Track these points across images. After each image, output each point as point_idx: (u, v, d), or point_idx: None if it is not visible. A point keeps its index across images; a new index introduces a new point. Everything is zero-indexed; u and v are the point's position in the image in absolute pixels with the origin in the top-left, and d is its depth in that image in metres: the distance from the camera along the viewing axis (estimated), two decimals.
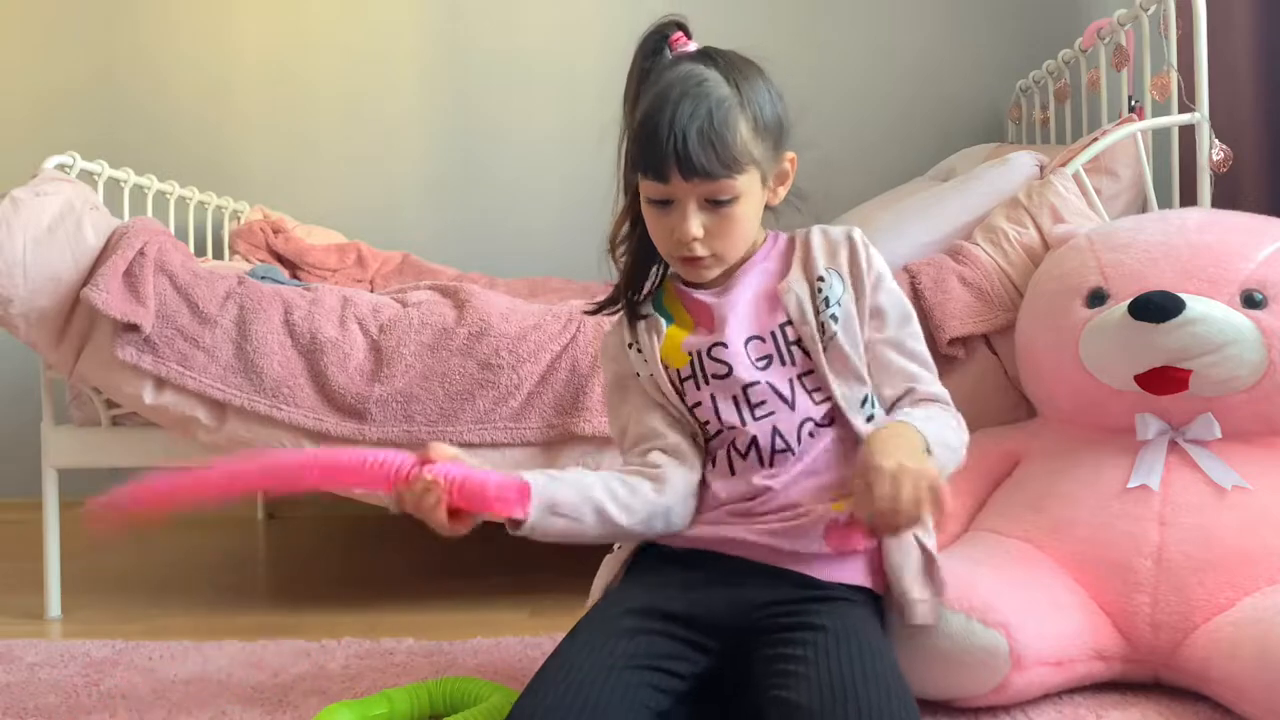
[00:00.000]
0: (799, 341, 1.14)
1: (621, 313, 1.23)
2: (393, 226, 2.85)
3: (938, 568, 1.12)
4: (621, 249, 1.21)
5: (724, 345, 1.14)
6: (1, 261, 1.67)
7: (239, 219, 2.71)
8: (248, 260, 2.50)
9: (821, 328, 1.13)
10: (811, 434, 1.12)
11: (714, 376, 1.15)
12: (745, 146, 1.08)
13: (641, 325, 1.20)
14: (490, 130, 2.88)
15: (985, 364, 1.71)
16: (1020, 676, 1.18)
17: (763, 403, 1.13)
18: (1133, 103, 2.02)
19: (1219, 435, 1.37)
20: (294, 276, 2.48)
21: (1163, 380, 1.37)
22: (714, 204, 1.09)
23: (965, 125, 2.76)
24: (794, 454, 1.11)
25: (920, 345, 1.18)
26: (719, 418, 1.14)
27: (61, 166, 1.90)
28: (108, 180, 2.06)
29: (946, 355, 1.68)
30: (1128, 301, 1.39)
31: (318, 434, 1.69)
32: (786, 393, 1.13)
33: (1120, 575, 1.29)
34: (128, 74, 2.89)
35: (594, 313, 1.25)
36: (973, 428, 1.66)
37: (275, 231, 2.60)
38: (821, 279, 1.14)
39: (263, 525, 2.67)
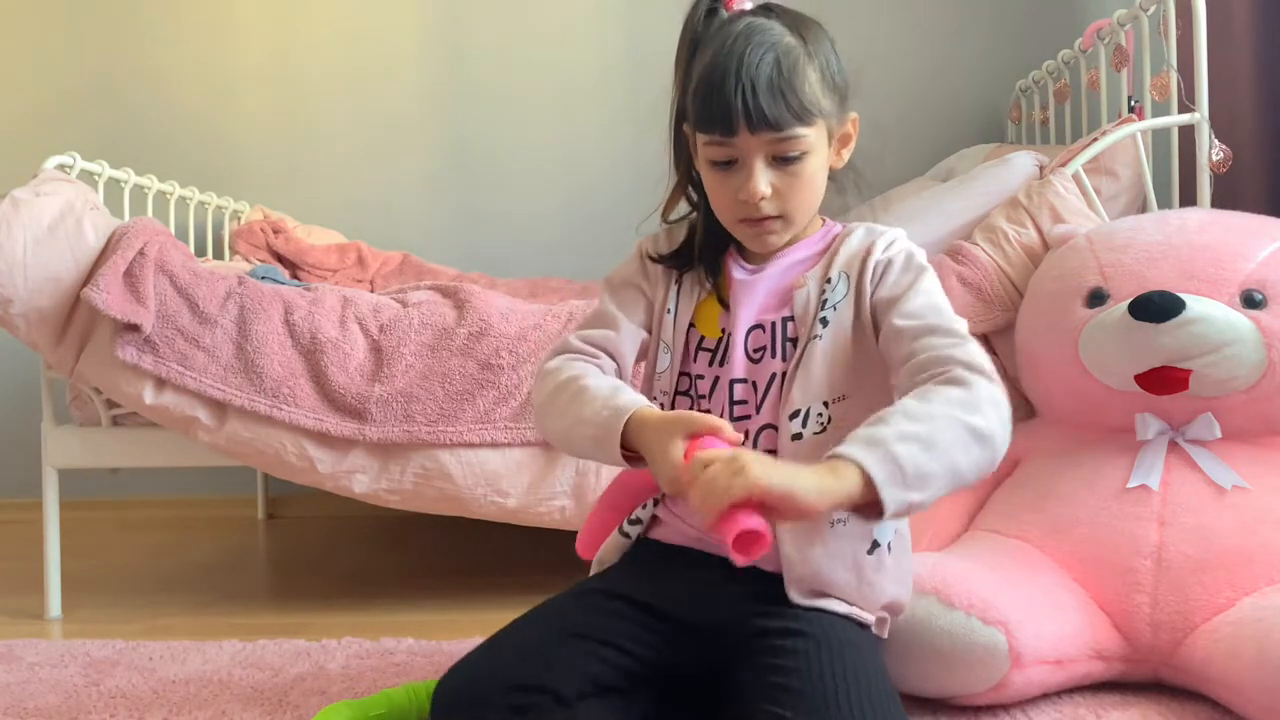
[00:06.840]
0: (795, 339, 1.09)
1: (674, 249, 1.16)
2: (393, 226, 2.85)
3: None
4: (679, 225, 1.17)
5: (731, 334, 1.10)
6: (2, 262, 1.67)
7: (239, 219, 2.71)
8: (248, 260, 2.50)
9: (811, 327, 1.07)
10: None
11: (722, 364, 1.10)
12: (814, 96, 1.04)
13: (689, 273, 1.14)
14: (490, 130, 2.88)
15: None
16: (1019, 675, 1.18)
17: (743, 401, 1.09)
18: (1133, 103, 2.02)
19: (1219, 435, 1.37)
20: (294, 276, 2.48)
21: (1163, 380, 1.38)
22: (782, 161, 1.04)
23: (965, 125, 2.76)
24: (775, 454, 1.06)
25: (928, 302, 1.05)
26: (698, 403, 1.10)
27: (62, 166, 1.90)
28: (108, 180, 2.06)
29: None
30: (1127, 301, 1.39)
31: (318, 434, 1.69)
32: (763, 392, 1.08)
33: (1120, 575, 1.29)
34: (128, 74, 2.89)
35: (657, 261, 1.16)
36: None
37: (275, 231, 2.60)
38: (829, 280, 1.09)
39: (263, 525, 2.67)
